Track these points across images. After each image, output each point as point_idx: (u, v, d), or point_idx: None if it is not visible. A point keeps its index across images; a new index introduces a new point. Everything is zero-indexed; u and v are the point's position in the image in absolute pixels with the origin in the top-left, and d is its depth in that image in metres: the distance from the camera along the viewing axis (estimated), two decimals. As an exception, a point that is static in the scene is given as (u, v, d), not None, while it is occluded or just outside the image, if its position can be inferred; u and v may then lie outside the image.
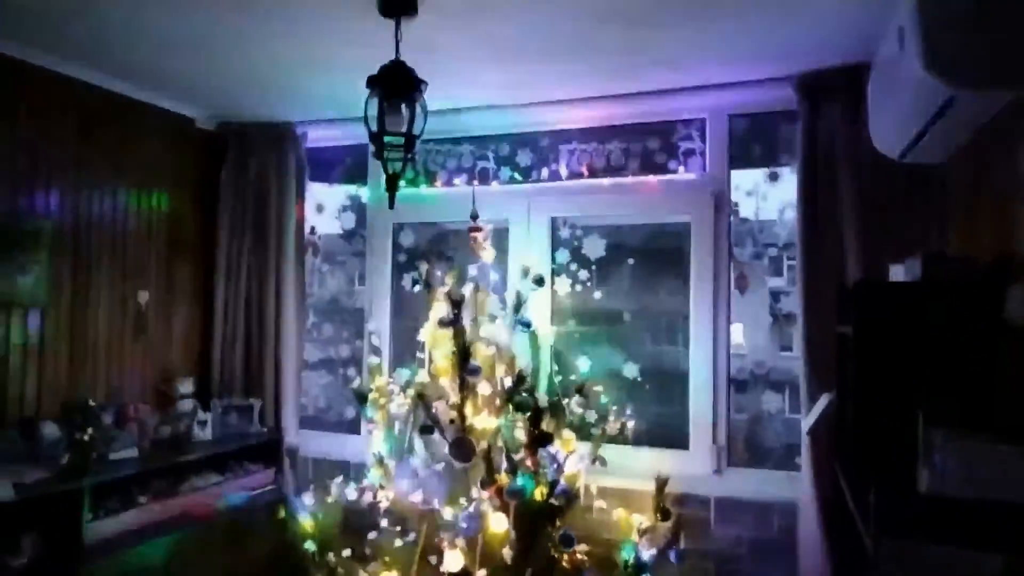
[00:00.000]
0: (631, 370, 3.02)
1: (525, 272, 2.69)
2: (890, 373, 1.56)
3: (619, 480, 2.76)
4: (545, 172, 3.18)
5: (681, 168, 3.00)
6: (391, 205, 2.12)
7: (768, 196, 2.96)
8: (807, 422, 2.43)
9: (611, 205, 3.08)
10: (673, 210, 3.01)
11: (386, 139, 2.08)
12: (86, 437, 2.33)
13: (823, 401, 2.35)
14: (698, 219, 2.91)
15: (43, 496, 2.13)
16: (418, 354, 2.73)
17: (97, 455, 2.37)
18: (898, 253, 2.00)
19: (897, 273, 1.83)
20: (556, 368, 2.86)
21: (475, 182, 3.20)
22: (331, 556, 2.38)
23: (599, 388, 2.71)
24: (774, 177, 2.94)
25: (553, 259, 3.13)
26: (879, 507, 1.28)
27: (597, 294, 3.11)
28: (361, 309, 3.50)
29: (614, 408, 2.69)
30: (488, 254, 2.72)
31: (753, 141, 2.97)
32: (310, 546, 2.43)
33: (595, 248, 3.11)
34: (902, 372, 1.55)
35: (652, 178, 3.03)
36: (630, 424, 2.68)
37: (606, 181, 3.09)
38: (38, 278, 2.58)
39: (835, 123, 2.51)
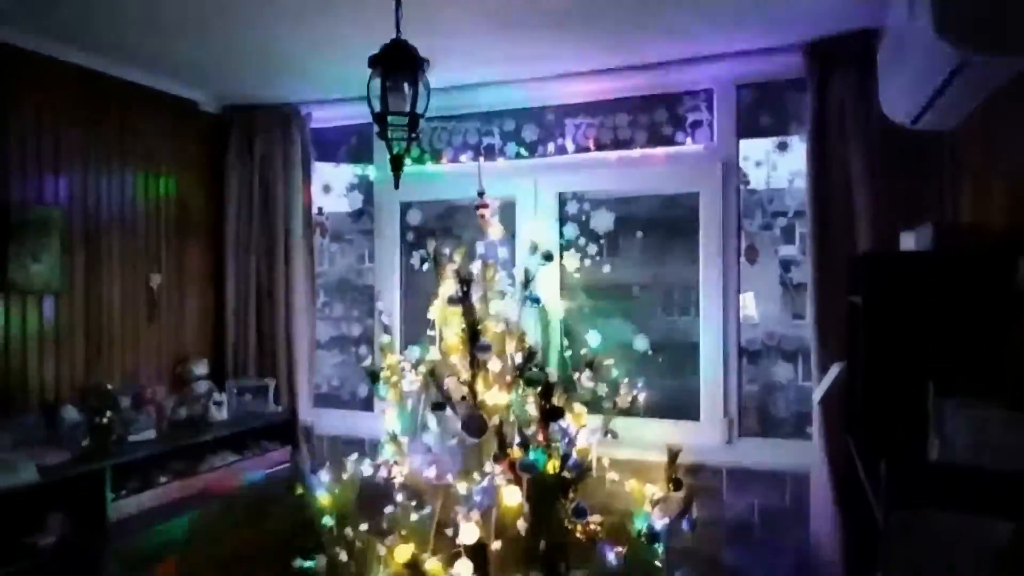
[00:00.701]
0: (641, 343, 3.03)
1: (533, 248, 2.68)
2: (900, 343, 1.56)
3: (631, 452, 2.79)
4: (551, 147, 3.16)
5: (689, 140, 2.97)
6: (396, 184, 2.11)
7: (778, 166, 2.94)
8: (818, 391, 2.43)
9: (618, 179, 3.06)
10: (681, 182, 2.99)
11: (389, 119, 2.07)
12: (105, 420, 2.38)
13: (834, 370, 2.35)
14: (706, 191, 2.89)
15: (67, 477, 2.19)
16: (428, 332, 2.74)
17: (117, 437, 2.42)
18: (909, 221, 1.99)
19: (908, 242, 1.81)
20: (566, 343, 2.88)
21: (481, 158, 3.18)
22: (349, 530, 2.42)
23: (610, 362, 2.73)
24: (783, 147, 2.91)
25: (561, 234, 3.13)
26: (889, 477, 1.29)
27: (606, 267, 3.11)
28: (371, 287, 3.51)
29: (625, 381, 2.71)
30: (496, 230, 2.71)
31: (761, 111, 2.93)
32: (328, 521, 2.48)
33: (603, 222, 3.10)
34: (913, 342, 1.55)
35: (659, 150, 3.00)
36: (641, 397, 2.70)
37: (613, 155, 3.07)
38: (51, 265, 2.61)
39: (845, 91, 2.47)
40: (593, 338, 2.75)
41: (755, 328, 3.09)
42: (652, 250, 3.27)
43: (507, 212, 3.03)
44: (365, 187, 3.56)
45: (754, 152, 2.96)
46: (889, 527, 1.24)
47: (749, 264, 2.88)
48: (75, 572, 2.18)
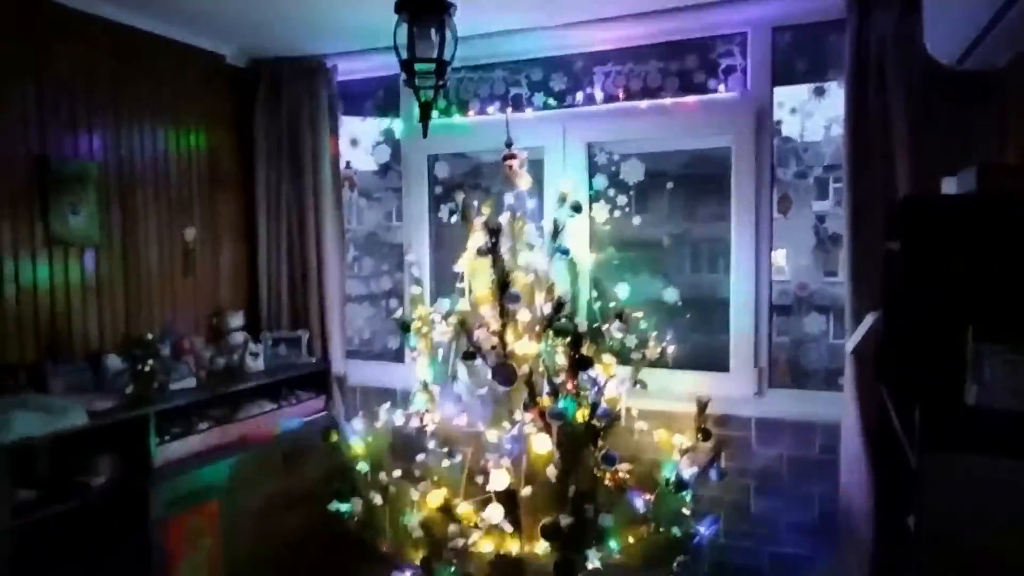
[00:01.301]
0: (671, 295, 3.01)
1: (562, 199, 2.67)
2: (939, 288, 1.52)
3: (660, 403, 2.81)
4: (580, 96, 3.10)
5: (721, 87, 2.89)
6: (424, 134, 2.11)
7: (814, 113, 2.85)
8: (851, 341, 2.41)
9: (649, 128, 3.01)
10: (713, 131, 2.92)
11: (417, 66, 2.05)
12: (147, 368, 2.45)
13: (868, 320, 2.32)
14: (739, 140, 2.82)
15: (114, 422, 2.27)
16: (458, 284, 2.76)
17: (159, 385, 2.50)
18: (952, 167, 1.92)
19: (950, 185, 1.76)
20: (595, 294, 2.88)
21: (509, 109, 3.15)
22: (383, 475, 2.50)
23: (639, 314, 2.72)
24: (820, 92, 2.82)
25: (590, 185, 3.09)
26: (925, 420, 1.29)
27: (636, 219, 3.07)
28: (399, 245, 3.53)
29: (654, 334, 2.71)
30: (524, 181, 2.70)
31: (798, 55, 2.83)
32: (363, 467, 2.56)
33: (633, 173, 3.05)
34: (952, 287, 1.51)
35: (691, 98, 2.93)
36: (670, 349, 2.70)
37: (643, 104, 3.00)
38: (89, 218, 2.66)
39: (887, 30, 2.37)
40: (622, 290, 2.75)
41: (787, 280, 3.05)
42: (681, 205, 3.22)
43: (535, 164, 3.00)
44: (392, 143, 3.55)
45: (789, 99, 2.88)
46: (923, 470, 1.24)
47: (782, 215, 2.83)
48: (124, 511, 2.28)
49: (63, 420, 2.10)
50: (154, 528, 2.29)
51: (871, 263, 2.38)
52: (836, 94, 2.71)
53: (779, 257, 3.00)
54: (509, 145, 2.68)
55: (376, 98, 3.59)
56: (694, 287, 3.19)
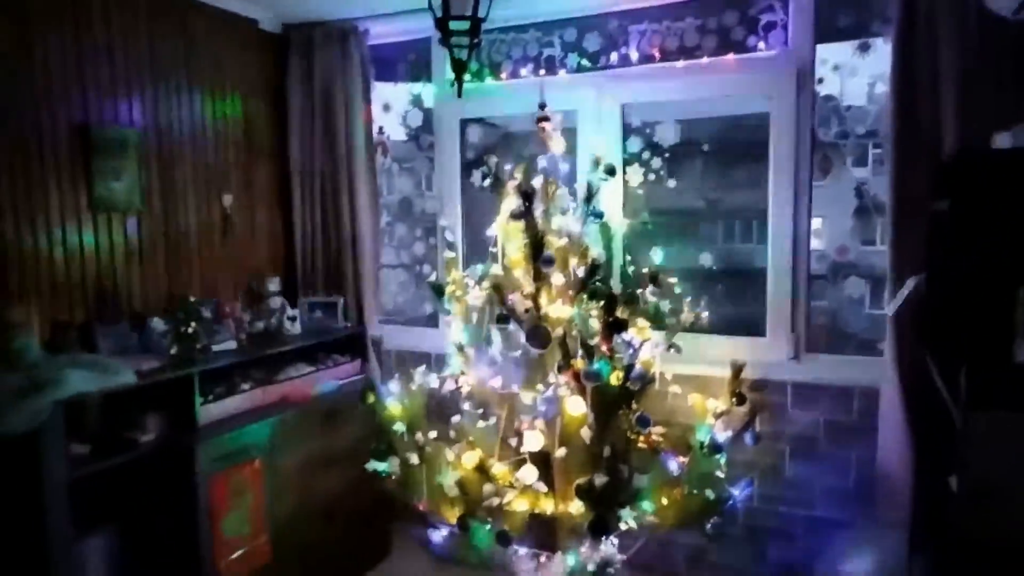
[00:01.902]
0: (706, 259, 2.97)
1: (596, 162, 2.64)
2: (987, 247, 1.48)
3: (694, 367, 2.79)
4: (615, 57, 3.04)
5: (761, 44, 2.81)
6: (459, 93, 2.10)
7: (858, 70, 2.76)
8: (892, 305, 2.36)
9: (685, 88, 2.94)
10: (752, 90, 2.85)
11: (452, 24, 2.04)
12: (190, 330, 2.52)
13: (910, 283, 2.27)
14: (779, 100, 2.75)
15: (160, 381, 2.34)
16: (491, 249, 2.76)
17: (201, 346, 2.56)
18: (1004, 125, 1.85)
19: (1003, 141, 1.70)
20: (629, 258, 2.86)
21: (542, 71, 3.11)
22: (419, 435, 2.54)
23: (673, 279, 2.70)
24: (864, 48, 2.73)
25: (624, 148, 3.05)
26: (971, 379, 1.26)
27: (671, 182, 3.03)
28: (432, 212, 3.55)
29: (688, 299, 2.68)
30: (557, 144, 2.67)
31: (842, 9, 2.74)
32: (399, 428, 2.60)
33: (668, 135, 3.00)
34: (1002, 244, 1.47)
35: (730, 57, 2.85)
36: (704, 314, 2.67)
37: (680, 63, 2.93)
38: (130, 184, 2.72)
39: (939, -20, 2.27)
40: (656, 254, 2.73)
41: (826, 245, 3.00)
42: (716, 173, 3.18)
43: (568, 132, 2.97)
44: (424, 110, 3.54)
45: (832, 56, 2.79)
46: (969, 428, 1.22)
47: (822, 175, 2.76)
48: (171, 467, 2.37)
49: (113, 378, 2.17)
50: (200, 483, 2.37)
51: (914, 226, 2.32)
52: (882, 50, 2.61)
53: (817, 224, 2.94)
54: (543, 107, 2.64)
55: (408, 62, 3.57)
56: (728, 257, 3.16)
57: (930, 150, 2.32)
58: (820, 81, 2.74)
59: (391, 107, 3.65)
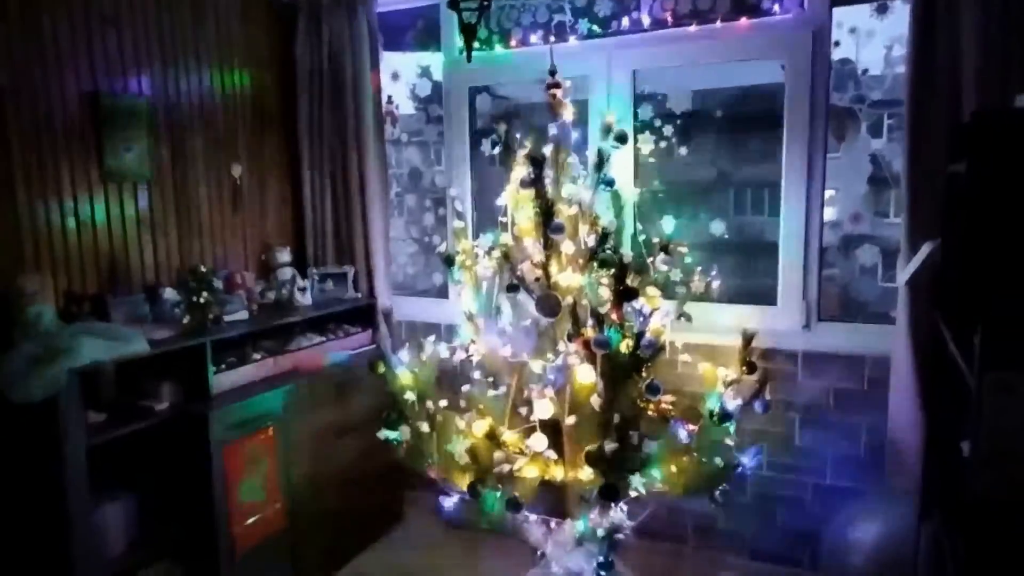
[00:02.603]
0: (718, 227, 2.95)
1: (607, 130, 2.61)
2: (1008, 208, 1.45)
3: (705, 336, 2.79)
4: (626, 21, 2.99)
5: (776, 7, 2.75)
6: (468, 58, 2.08)
7: (875, 33, 2.70)
8: (906, 272, 2.34)
9: (698, 53, 2.89)
10: (767, 55, 2.79)
11: (461, -12, 2.01)
12: (202, 300, 2.53)
13: (925, 249, 2.24)
14: (794, 64, 2.70)
15: (174, 350, 2.37)
16: (500, 219, 2.75)
17: (214, 316, 2.58)
18: (1024, 86, 1.81)
19: (1024, 101, 1.66)
20: (639, 227, 2.84)
21: (552, 38, 3.06)
22: (430, 405, 2.56)
23: (684, 248, 2.68)
24: (883, 10, 2.66)
25: (636, 116, 3.01)
26: (987, 339, 1.25)
27: (682, 150, 3.00)
28: (442, 188, 3.53)
29: (699, 268, 2.67)
30: (568, 111, 2.64)
31: (860, -30, 2.67)
32: (410, 397, 2.62)
33: (680, 102, 2.96)
34: (1021, 205, 1.44)
35: (744, 20, 2.80)
36: (715, 284, 2.66)
37: (692, 28, 2.88)
38: (141, 155, 2.72)
39: (962, -64, 2.20)
40: (667, 223, 2.71)
41: (839, 214, 2.96)
42: (728, 144, 3.14)
43: (580, 103, 2.93)
44: (434, 83, 3.50)
45: (848, 19, 2.72)
46: (984, 389, 1.21)
47: (837, 142, 2.71)
48: (186, 435, 2.40)
49: (127, 347, 2.20)
50: (215, 451, 2.41)
51: (930, 192, 2.28)
52: (900, 12, 2.56)
53: (831, 194, 2.90)
54: (553, 73, 2.61)
55: (416, 29, 3.53)
56: (739, 229, 3.14)
57: (948, 114, 2.27)
58: (836, 44, 2.68)
59: (400, 76, 3.62)
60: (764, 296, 2.88)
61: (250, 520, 2.55)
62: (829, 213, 2.88)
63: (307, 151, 3.41)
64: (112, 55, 2.64)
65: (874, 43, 2.71)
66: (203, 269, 2.60)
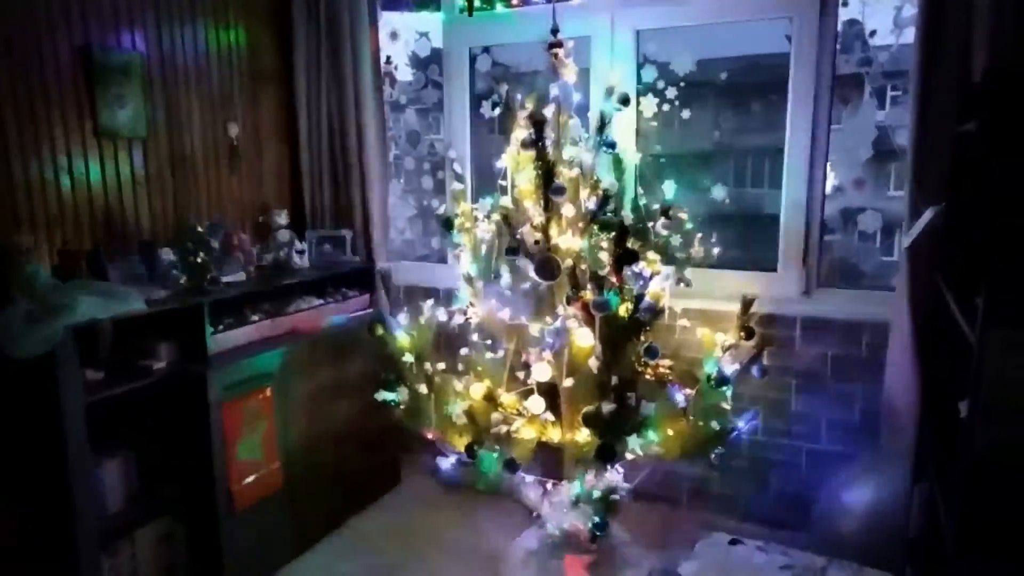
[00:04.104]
0: (719, 192, 2.93)
1: (609, 91, 2.57)
2: (1016, 167, 1.43)
3: (704, 302, 2.79)
4: (630, -21, 2.92)
5: (784, -36, 2.68)
6: (470, 12, 2.03)
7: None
8: (908, 236, 2.32)
9: (703, 12, 2.84)
10: (774, 11, 2.74)
11: (462, -61, 1.95)
12: (199, 260, 2.51)
13: (928, 214, 2.23)
14: (800, 23, 2.65)
15: (170, 311, 2.35)
16: (500, 182, 2.72)
17: (211, 277, 2.56)
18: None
19: (1036, 60, 1.63)
20: (641, 190, 2.82)
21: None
22: (428, 366, 2.56)
23: (683, 214, 2.66)
24: (893, -31, 2.60)
25: (639, 78, 2.97)
26: (991, 296, 1.24)
27: (685, 113, 2.96)
28: (440, 154, 3.48)
29: (699, 234, 2.65)
30: (570, 72, 2.59)
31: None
32: (408, 358, 2.62)
33: (683, 64, 2.91)
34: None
35: (750, -21, 2.74)
36: (716, 250, 2.64)
37: (698, -14, 2.82)
38: (135, 111, 2.68)
39: None
40: (668, 188, 2.68)
41: (842, 180, 2.94)
42: (731, 114, 3.10)
43: (581, 59, 2.88)
44: (433, 48, 3.43)
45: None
46: (986, 345, 1.21)
47: (843, 105, 2.68)
48: (185, 394, 2.40)
49: (123, 305, 2.18)
50: (213, 409, 2.41)
51: (936, 157, 2.26)
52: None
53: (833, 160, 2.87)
54: (555, 32, 2.56)
55: (415, -12, 3.46)
56: (739, 201, 3.12)
57: (958, 78, 2.23)
58: (844, 4, 2.63)
59: (399, 34, 3.55)
60: (762, 266, 2.87)
61: (248, 479, 2.57)
62: (832, 180, 2.85)
63: (304, 111, 3.36)
64: (104, 8, 2.58)
65: (883, 2, 2.65)
66: (199, 229, 2.57)
